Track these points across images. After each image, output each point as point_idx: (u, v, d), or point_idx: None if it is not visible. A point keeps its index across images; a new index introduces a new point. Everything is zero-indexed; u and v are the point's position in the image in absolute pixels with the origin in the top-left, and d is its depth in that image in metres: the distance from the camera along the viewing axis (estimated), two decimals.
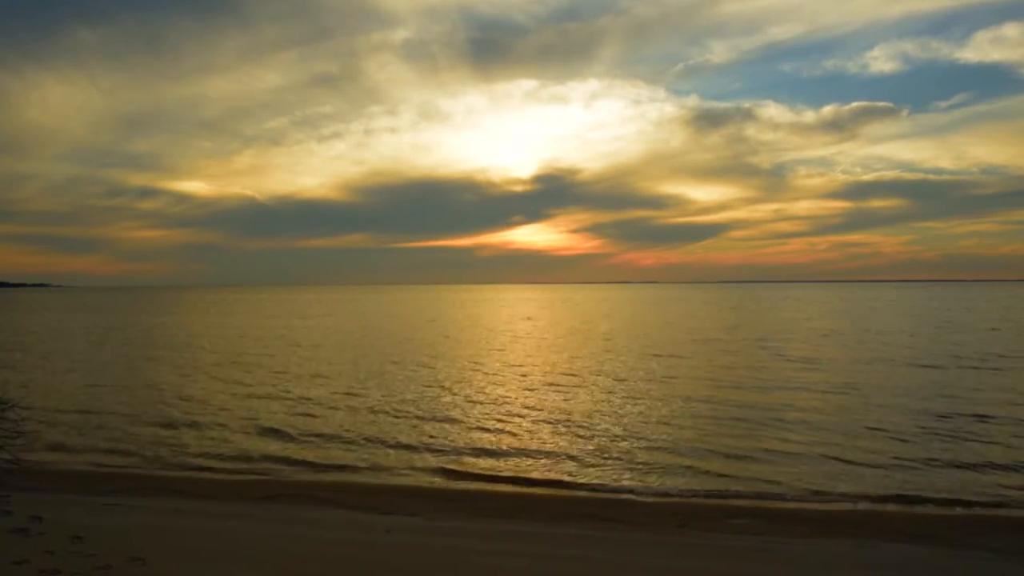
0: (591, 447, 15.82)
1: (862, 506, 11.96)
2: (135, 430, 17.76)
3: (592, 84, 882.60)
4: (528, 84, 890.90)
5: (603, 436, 16.78)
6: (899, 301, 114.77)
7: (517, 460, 14.96)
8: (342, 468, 14.53)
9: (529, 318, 70.86)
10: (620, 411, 19.80)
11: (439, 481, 13.68)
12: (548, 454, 15.37)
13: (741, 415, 18.97)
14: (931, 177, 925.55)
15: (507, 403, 21.27)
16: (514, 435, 17.10)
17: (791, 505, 12.04)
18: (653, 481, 13.41)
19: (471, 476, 13.95)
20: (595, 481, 13.47)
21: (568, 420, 18.65)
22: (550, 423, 18.39)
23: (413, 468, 14.47)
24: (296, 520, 10.11)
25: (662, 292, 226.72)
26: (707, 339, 42.79)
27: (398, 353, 35.84)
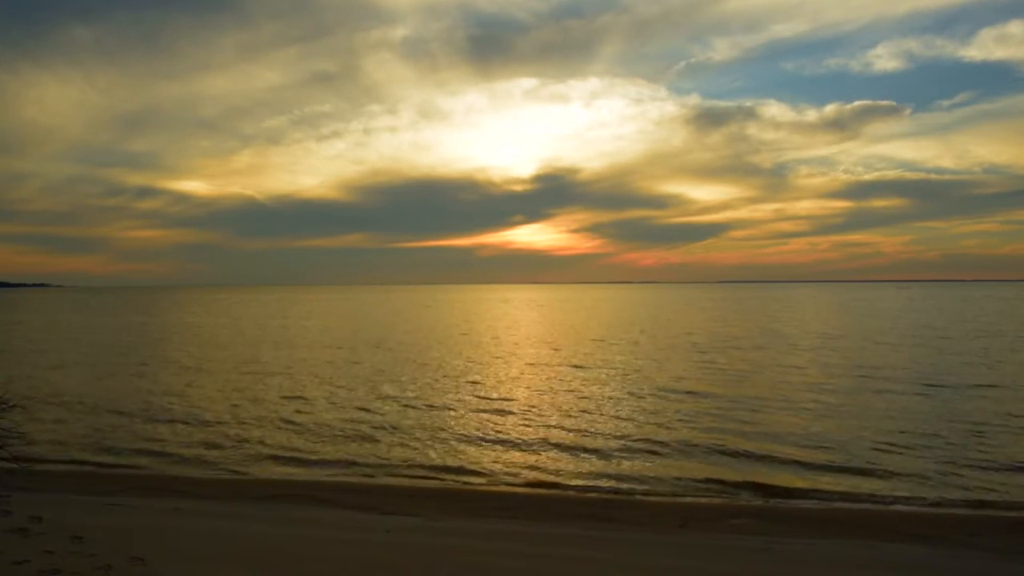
0: (590, 448, 15.83)
1: (862, 506, 11.97)
2: (135, 430, 17.76)
3: (593, 82, 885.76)
4: (528, 82, 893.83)
5: (600, 437, 16.80)
6: (882, 301, 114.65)
7: (517, 461, 14.98)
8: (342, 468, 14.55)
9: (467, 322, 69.95)
10: (615, 413, 19.82)
11: (439, 481, 13.68)
12: (547, 454, 15.39)
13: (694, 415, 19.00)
14: (933, 176, 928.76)
15: (504, 403, 21.31)
16: (512, 436, 17.11)
17: (791, 505, 12.04)
18: (653, 481, 13.43)
19: (472, 476, 13.96)
20: (595, 481, 13.48)
21: (560, 418, 18.67)
22: (545, 423, 18.41)
23: (413, 468, 14.49)
24: (296, 520, 10.10)
25: (657, 293, 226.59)
26: (658, 345, 42.76)
27: (368, 352, 35.87)
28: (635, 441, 16.27)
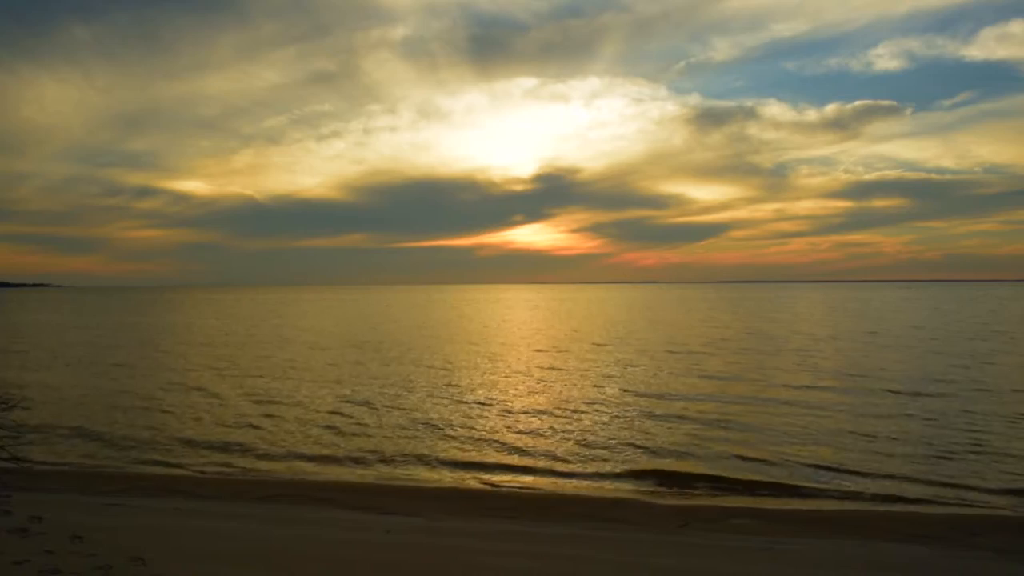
0: (592, 447, 15.83)
1: (862, 506, 11.97)
2: (135, 430, 17.75)
3: (593, 82, 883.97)
4: (529, 82, 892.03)
5: (602, 436, 16.80)
6: (873, 302, 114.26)
7: (518, 461, 14.98)
8: (342, 468, 14.55)
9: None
10: (618, 412, 19.81)
11: (439, 481, 13.68)
12: (549, 455, 15.38)
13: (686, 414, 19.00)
14: (934, 176, 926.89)
15: (499, 405, 21.30)
16: (507, 437, 17.11)
17: (791, 505, 12.05)
18: (653, 481, 13.43)
19: (472, 476, 13.96)
20: (595, 481, 13.47)
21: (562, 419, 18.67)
22: (548, 425, 18.41)
23: (413, 468, 14.49)
24: (296, 520, 10.10)
25: (656, 293, 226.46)
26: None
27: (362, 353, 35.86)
28: (633, 442, 16.27)
